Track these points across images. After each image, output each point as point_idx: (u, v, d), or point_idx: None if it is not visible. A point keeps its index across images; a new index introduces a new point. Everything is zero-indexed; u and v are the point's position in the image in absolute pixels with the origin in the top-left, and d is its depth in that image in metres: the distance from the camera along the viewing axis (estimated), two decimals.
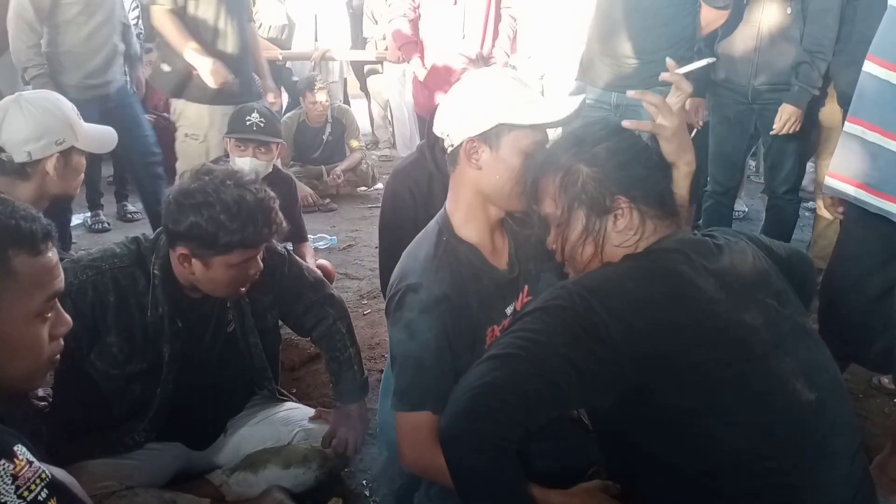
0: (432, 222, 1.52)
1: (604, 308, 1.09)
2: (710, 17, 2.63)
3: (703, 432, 1.08)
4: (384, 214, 2.13)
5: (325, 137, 5.26)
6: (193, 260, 1.61)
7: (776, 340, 1.13)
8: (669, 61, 1.41)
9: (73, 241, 4.09)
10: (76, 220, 4.63)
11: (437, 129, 1.47)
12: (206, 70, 3.01)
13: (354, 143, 5.32)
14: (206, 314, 1.78)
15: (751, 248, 1.27)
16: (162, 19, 3.01)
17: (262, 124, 2.79)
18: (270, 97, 3.56)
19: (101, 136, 2.11)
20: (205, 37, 3.09)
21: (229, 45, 3.16)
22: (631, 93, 1.41)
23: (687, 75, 1.41)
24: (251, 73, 3.38)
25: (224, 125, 2.97)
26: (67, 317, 1.09)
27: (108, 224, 4.49)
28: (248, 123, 2.78)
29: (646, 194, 1.22)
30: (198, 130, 3.22)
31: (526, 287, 1.53)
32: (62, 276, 1.06)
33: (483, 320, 1.45)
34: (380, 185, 5.43)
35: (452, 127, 1.42)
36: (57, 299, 1.06)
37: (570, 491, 1.32)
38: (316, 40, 5.99)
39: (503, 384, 1.09)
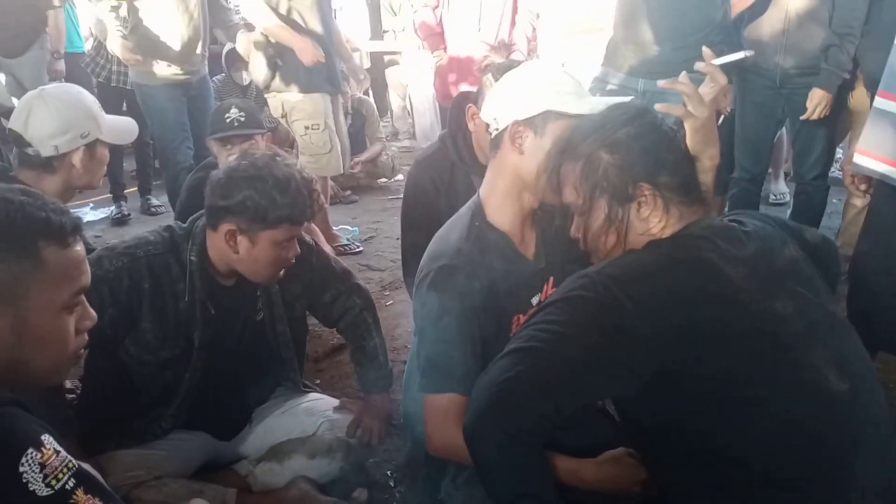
0: (464, 208, 1.53)
1: (628, 298, 1.06)
2: None
3: (732, 424, 1.06)
4: (406, 205, 2.12)
5: (346, 129, 5.25)
6: (240, 237, 1.63)
7: (807, 330, 1.10)
8: (706, 51, 1.39)
9: (98, 234, 4.15)
10: (101, 214, 4.70)
11: (485, 114, 1.48)
12: (301, 47, 3.10)
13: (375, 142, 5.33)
14: (238, 302, 1.80)
15: (779, 234, 1.23)
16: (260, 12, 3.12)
17: (242, 118, 2.71)
18: (358, 78, 3.73)
19: (124, 128, 2.12)
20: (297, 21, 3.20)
21: (318, 27, 3.26)
22: (662, 82, 1.38)
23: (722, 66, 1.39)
24: (335, 56, 3.48)
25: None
26: (93, 312, 1.10)
27: (130, 215, 4.54)
28: (228, 121, 2.70)
29: (670, 180, 1.19)
30: (317, 119, 3.30)
31: (552, 279, 1.53)
32: (89, 270, 1.07)
33: (510, 308, 1.45)
34: (400, 177, 5.42)
35: (500, 110, 1.42)
36: (83, 294, 1.06)
37: (597, 459, 1.31)
38: None
39: (526, 379, 1.07)
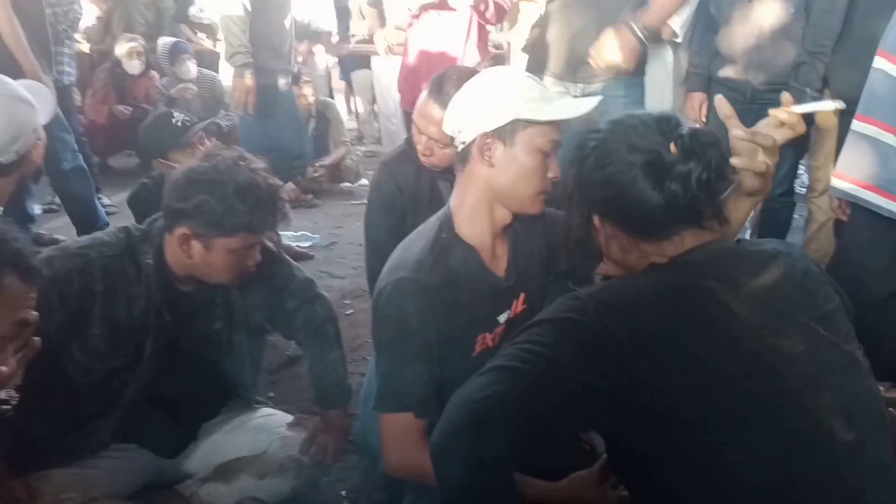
0: (433, 218, 1.45)
1: (621, 327, 0.98)
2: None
3: (722, 467, 0.96)
4: (370, 209, 2.04)
5: (309, 132, 5.14)
6: (194, 242, 1.55)
7: (816, 372, 1.00)
8: (786, 96, 1.27)
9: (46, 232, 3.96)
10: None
11: (448, 127, 1.40)
12: None
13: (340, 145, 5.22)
14: (195, 309, 1.70)
15: (802, 264, 1.12)
16: None
17: (188, 118, 2.60)
18: None
19: (44, 101, 1.97)
20: None
21: None
22: (737, 131, 1.15)
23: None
24: None
25: None
26: (37, 341, 1.11)
27: None
28: (179, 125, 2.56)
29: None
30: None
31: (523, 295, 1.45)
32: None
33: (474, 326, 1.37)
34: (364, 181, 5.33)
35: (465, 123, 1.35)
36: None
37: (566, 482, 1.25)
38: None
39: (504, 400, 0.98)
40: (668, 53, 3.07)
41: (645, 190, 1.06)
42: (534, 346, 1.00)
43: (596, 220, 1.14)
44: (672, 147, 1.06)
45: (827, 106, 1.39)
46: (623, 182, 1.07)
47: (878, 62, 1.71)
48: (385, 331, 1.33)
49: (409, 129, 3.28)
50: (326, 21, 6.55)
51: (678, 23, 2.96)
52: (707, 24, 2.90)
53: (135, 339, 1.61)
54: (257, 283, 1.76)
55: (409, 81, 3.26)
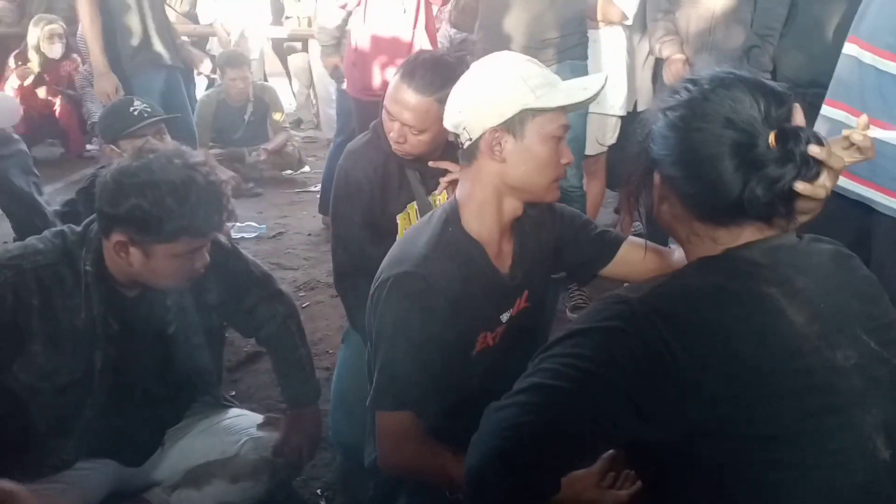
0: (438, 210, 1.38)
1: (677, 341, 0.90)
2: None
3: (764, 485, 0.92)
4: (338, 200, 1.96)
5: (246, 117, 4.99)
6: (132, 249, 1.42)
7: (865, 388, 0.94)
8: (863, 119, 1.19)
9: None
10: None
11: (449, 123, 1.33)
12: None
13: (277, 116, 5.05)
14: (145, 315, 1.57)
15: (864, 269, 1.06)
16: None
17: (149, 108, 2.45)
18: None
19: (7, 108, 1.85)
20: None
21: None
22: (816, 149, 0.96)
23: None
24: None
25: None
26: None
27: None
28: (136, 114, 2.41)
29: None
30: None
31: (526, 293, 1.41)
32: None
33: (476, 324, 1.33)
34: (307, 168, 5.20)
35: (469, 118, 1.28)
36: None
37: (568, 481, 1.15)
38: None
39: (547, 424, 0.91)
40: (621, 37, 3.09)
41: (724, 173, 0.95)
42: (576, 360, 0.93)
43: (656, 177, 1.05)
44: (772, 138, 0.94)
45: None
46: (703, 154, 0.96)
47: (849, 48, 1.74)
48: (385, 326, 1.28)
49: (361, 115, 3.22)
50: (260, 2, 6.32)
51: (630, 6, 2.99)
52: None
53: (82, 352, 1.49)
54: (211, 281, 1.65)
55: (359, 66, 3.16)
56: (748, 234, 1.00)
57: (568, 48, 2.72)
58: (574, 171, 2.78)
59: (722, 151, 0.95)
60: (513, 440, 0.92)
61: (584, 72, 2.74)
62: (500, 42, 2.65)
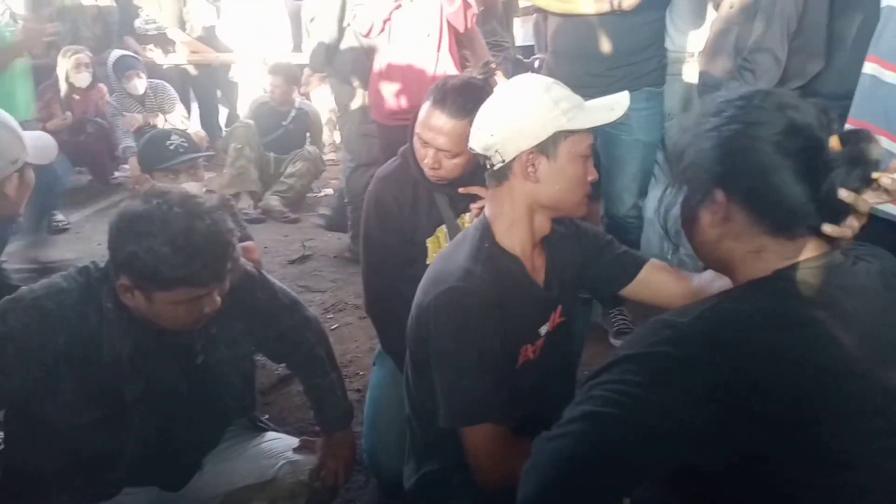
0: (471, 228, 1.43)
1: (724, 361, 0.90)
2: None
3: None
4: (368, 225, 1.99)
5: (285, 123, 5.11)
6: (136, 292, 1.42)
7: None
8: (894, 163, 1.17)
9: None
10: None
11: (480, 146, 1.37)
12: None
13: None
14: (171, 348, 1.57)
15: None
16: None
17: (185, 144, 2.51)
18: None
19: (44, 144, 1.91)
20: None
21: None
22: (843, 191, 0.97)
23: None
24: None
25: None
26: None
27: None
28: (171, 148, 2.47)
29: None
30: None
31: (560, 307, 1.44)
32: None
33: (519, 337, 1.36)
34: (330, 191, 5.25)
35: (501, 141, 1.32)
36: None
37: None
38: None
39: (601, 453, 0.92)
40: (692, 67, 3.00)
41: (795, 181, 0.94)
42: (626, 386, 0.93)
43: (720, 195, 1.00)
44: (835, 142, 0.93)
45: None
46: (771, 164, 0.95)
47: (868, 67, 1.75)
48: (446, 343, 1.29)
49: (384, 141, 3.26)
50: (281, 30, 6.43)
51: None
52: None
53: (111, 387, 1.49)
54: (238, 311, 1.65)
55: (383, 92, 3.21)
56: (810, 249, 0.99)
57: (644, 74, 2.62)
58: (633, 201, 2.62)
59: (790, 159, 0.94)
60: (568, 471, 0.93)
61: (660, 99, 2.68)
62: (572, 68, 2.61)
